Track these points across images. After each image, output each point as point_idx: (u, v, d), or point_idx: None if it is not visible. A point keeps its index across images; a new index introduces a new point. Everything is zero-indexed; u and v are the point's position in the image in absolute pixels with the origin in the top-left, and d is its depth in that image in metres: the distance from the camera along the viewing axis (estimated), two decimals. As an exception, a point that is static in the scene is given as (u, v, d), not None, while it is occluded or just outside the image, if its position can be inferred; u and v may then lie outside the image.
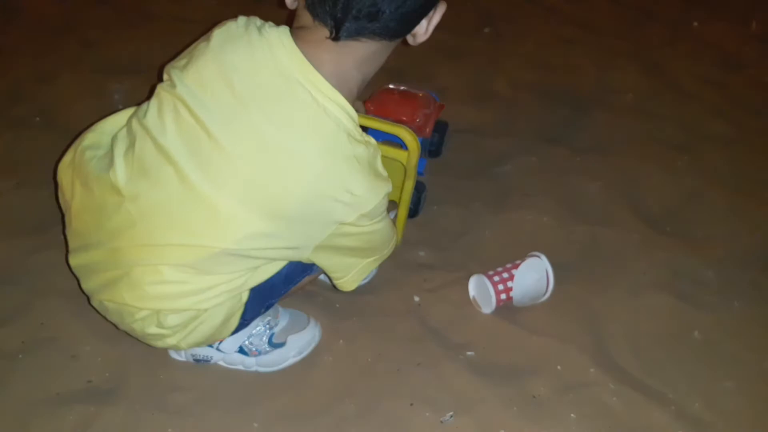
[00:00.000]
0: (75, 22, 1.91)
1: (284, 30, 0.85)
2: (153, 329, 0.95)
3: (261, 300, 1.02)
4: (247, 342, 1.08)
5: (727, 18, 2.10)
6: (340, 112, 0.83)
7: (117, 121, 0.99)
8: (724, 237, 1.43)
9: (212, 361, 1.10)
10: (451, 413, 1.08)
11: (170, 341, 0.97)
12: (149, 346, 1.03)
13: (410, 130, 1.16)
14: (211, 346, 1.08)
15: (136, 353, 1.11)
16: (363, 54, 0.85)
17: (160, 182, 0.86)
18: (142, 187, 0.87)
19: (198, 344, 1.01)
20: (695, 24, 2.08)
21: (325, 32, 0.82)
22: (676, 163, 1.60)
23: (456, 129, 1.58)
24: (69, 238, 1.00)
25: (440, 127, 1.49)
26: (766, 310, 1.29)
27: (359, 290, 1.24)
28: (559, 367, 1.16)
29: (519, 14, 2.08)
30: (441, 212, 1.43)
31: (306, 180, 0.83)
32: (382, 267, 1.30)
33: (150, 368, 1.11)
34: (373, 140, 0.89)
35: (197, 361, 1.10)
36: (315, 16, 0.82)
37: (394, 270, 1.29)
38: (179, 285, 0.89)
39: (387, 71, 1.51)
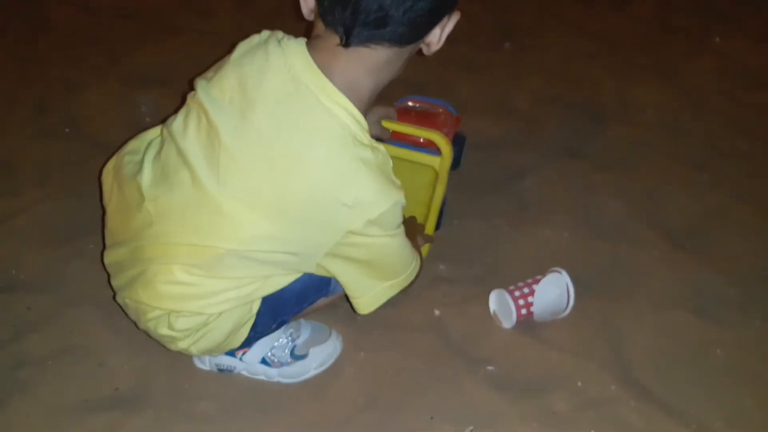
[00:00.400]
0: (102, 34, 1.95)
1: (301, 40, 0.87)
2: (165, 330, 0.98)
3: (272, 314, 1.03)
4: (269, 353, 1.10)
5: (749, 34, 2.10)
6: (347, 116, 0.83)
7: (158, 129, 1.03)
8: (746, 254, 1.42)
9: (236, 371, 1.12)
10: (471, 428, 1.09)
11: (181, 345, 1.00)
12: (175, 355, 1.06)
13: (443, 134, 1.20)
14: (234, 356, 1.10)
15: (162, 362, 1.13)
16: (374, 61, 0.85)
17: (176, 184, 0.90)
18: (161, 189, 0.92)
19: (209, 351, 1.04)
20: (717, 39, 2.07)
21: (337, 39, 0.83)
22: (697, 179, 1.59)
23: (476, 143, 1.59)
24: (105, 237, 1.06)
25: (458, 140, 1.50)
26: (787, 328, 1.28)
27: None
28: (579, 384, 1.16)
29: (539, 28, 2.09)
30: (461, 226, 1.44)
31: (310, 182, 0.84)
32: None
33: (175, 377, 1.13)
34: (382, 147, 0.88)
35: (221, 370, 1.12)
36: (327, 24, 0.84)
37: (414, 285, 1.30)
38: (188, 287, 0.92)
39: (407, 84, 1.54)
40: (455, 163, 1.51)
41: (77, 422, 1.06)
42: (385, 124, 1.26)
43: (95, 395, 1.10)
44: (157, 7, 2.07)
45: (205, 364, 1.12)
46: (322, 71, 0.83)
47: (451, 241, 1.41)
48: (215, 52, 0.97)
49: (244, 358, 1.10)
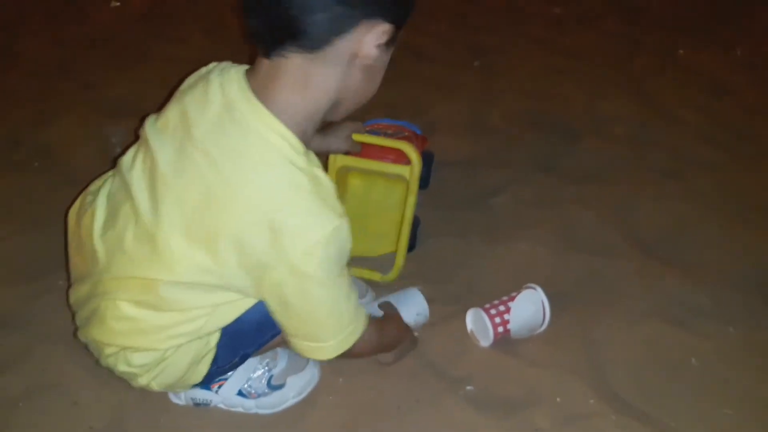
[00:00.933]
0: (73, 64, 1.95)
1: (242, 68, 0.88)
2: (123, 367, 0.98)
3: (232, 346, 1.01)
4: (246, 385, 1.09)
5: (713, 46, 2.15)
6: (280, 140, 0.82)
7: None
8: (717, 262, 1.44)
9: (212, 405, 1.10)
10: (452, 449, 1.08)
11: (142, 381, 0.99)
12: (149, 391, 1.04)
13: (411, 144, 1.25)
14: (209, 389, 1.08)
15: (137, 398, 1.11)
16: (295, 75, 0.82)
17: (121, 218, 0.91)
18: (110, 224, 0.94)
19: (170, 386, 1.03)
20: (681, 52, 2.12)
21: (265, 59, 0.83)
22: (667, 189, 1.62)
23: (449, 161, 1.61)
24: (70, 276, 1.06)
25: (426, 159, 1.51)
26: (761, 335, 1.30)
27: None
28: (558, 399, 1.16)
29: (509, 46, 2.13)
30: (437, 245, 1.45)
31: (240, 210, 0.82)
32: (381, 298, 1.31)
33: (150, 413, 1.10)
34: (322, 174, 0.85)
35: (197, 404, 1.10)
36: (253, 42, 0.83)
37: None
38: (136, 322, 0.92)
39: (378, 105, 1.54)
40: (423, 182, 1.52)
41: (51, 463, 1.04)
42: (356, 137, 1.28)
43: (70, 434, 1.07)
44: (127, 36, 2.08)
45: (180, 399, 1.11)
46: (257, 96, 0.83)
47: (427, 259, 1.41)
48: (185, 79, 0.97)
49: (220, 391, 1.08)
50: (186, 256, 0.86)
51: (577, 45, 2.14)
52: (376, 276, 1.33)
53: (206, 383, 1.05)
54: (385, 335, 1.09)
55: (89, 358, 1.09)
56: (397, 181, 1.38)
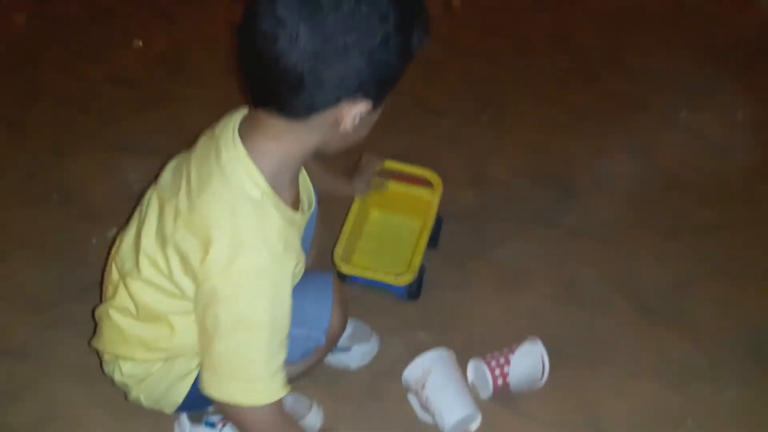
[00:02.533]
0: (93, 100, 2.00)
1: (243, 111, 0.93)
2: (118, 376, 1.07)
3: None
4: None
5: (714, 107, 2.21)
6: (242, 173, 0.85)
7: None
8: (715, 323, 1.47)
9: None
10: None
11: (133, 394, 1.08)
12: (155, 425, 1.07)
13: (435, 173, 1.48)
14: (214, 427, 1.10)
15: (146, 430, 1.14)
16: (277, 129, 0.85)
17: (128, 231, 1.03)
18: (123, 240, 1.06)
19: (156, 403, 1.07)
20: (683, 113, 2.18)
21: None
22: (666, 249, 1.66)
23: (455, 213, 1.65)
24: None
25: (436, 222, 1.52)
26: (756, 396, 1.32)
27: (359, 372, 1.29)
28: (555, 455, 1.18)
29: (515, 101, 2.19)
30: (440, 295, 1.48)
31: (188, 224, 0.88)
32: (383, 346, 1.35)
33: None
34: (272, 211, 0.87)
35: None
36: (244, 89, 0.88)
37: (394, 353, 1.33)
38: (121, 331, 1.02)
39: (388, 155, 1.60)
40: (433, 242, 1.54)
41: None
42: (388, 164, 1.48)
43: (75, 468, 1.10)
44: (147, 75, 2.14)
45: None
46: (243, 135, 0.88)
47: (431, 309, 1.45)
48: (202, 119, 1.01)
49: (224, 430, 1.10)
50: (149, 255, 0.95)
51: (581, 102, 2.20)
52: (390, 278, 1.37)
53: (192, 407, 1.09)
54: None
55: (100, 391, 1.12)
56: (414, 216, 1.52)
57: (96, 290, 1.16)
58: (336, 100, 0.80)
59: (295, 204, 0.94)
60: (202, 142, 0.95)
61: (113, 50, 2.18)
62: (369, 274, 1.38)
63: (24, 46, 2.15)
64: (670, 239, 1.68)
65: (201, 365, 0.94)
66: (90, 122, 1.92)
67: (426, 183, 1.52)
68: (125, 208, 1.54)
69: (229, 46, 2.21)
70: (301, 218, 0.94)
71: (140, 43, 2.23)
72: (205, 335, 0.90)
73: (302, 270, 0.93)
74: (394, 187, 1.53)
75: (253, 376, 0.89)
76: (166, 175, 0.99)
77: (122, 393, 1.10)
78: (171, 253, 0.91)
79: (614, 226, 1.72)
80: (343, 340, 1.20)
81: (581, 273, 1.57)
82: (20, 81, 2.06)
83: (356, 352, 1.31)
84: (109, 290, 1.06)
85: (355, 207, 1.47)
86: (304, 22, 0.74)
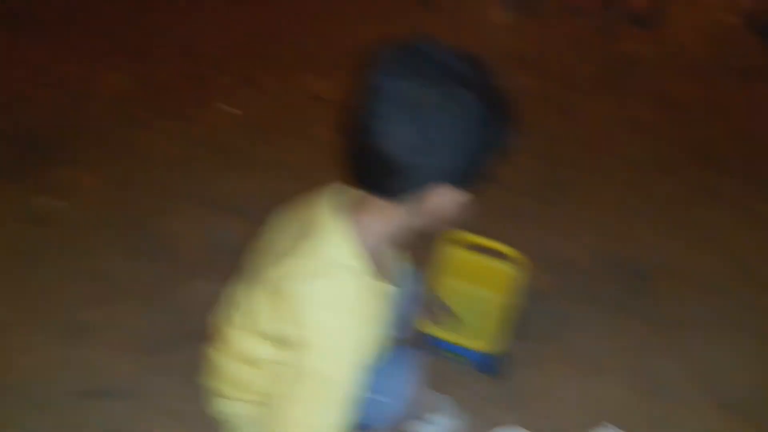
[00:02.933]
0: (189, 162, 2.14)
1: (341, 185, 1.01)
2: (220, 413, 1.14)
3: None
4: None
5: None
6: (338, 247, 0.93)
7: None
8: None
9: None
10: None
11: None
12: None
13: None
14: None
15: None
16: (374, 207, 0.95)
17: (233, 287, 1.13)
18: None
19: None
20: (758, 205, 2.16)
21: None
22: (746, 346, 1.63)
23: (529, 293, 1.67)
24: None
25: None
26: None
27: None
28: None
29: (582, 180, 2.21)
30: (519, 374, 1.50)
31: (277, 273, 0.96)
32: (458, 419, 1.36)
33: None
34: (373, 283, 0.95)
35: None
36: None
37: (469, 427, 1.34)
38: (221, 370, 1.10)
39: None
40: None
41: None
42: (470, 237, 1.55)
43: None
44: (238, 139, 2.28)
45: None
46: (335, 207, 0.97)
47: (510, 387, 1.46)
48: (290, 186, 1.11)
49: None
50: (247, 301, 1.03)
51: (655, 189, 2.21)
52: (465, 340, 1.41)
53: None
54: None
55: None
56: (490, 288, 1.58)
57: (194, 337, 1.23)
58: (426, 185, 0.89)
59: (386, 276, 1.01)
60: (300, 211, 1.03)
61: (205, 113, 2.35)
62: (448, 335, 1.42)
63: (121, 107, 2.33)
64: (752, 336, 1.65)
65: (269, 406, 1.00)
66: (185, 182, 2.03)
67: (499, 255, 1.58)
68: (219, 262, 1.64)
69: (315, 117, 2.35)
70: (390, 290, 1.01)
71: (239, 112, 2.40)
72: (281, 382, 0.96)
73: (388, 342, 0.98)
74: (469, 256, 1.60)
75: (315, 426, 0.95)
76: (267, 238, 1.07)
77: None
78: (258, 291, 1.00)
79: (693, 317, 1.70)
80: (428, 413, 1.23)
81: (660, 362, 1.56)
82: (121, 142, 2.20)
83: (441, 426, 1.33)
84: (217, 335, 1.14)
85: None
86: (403, 118, 0.84)
